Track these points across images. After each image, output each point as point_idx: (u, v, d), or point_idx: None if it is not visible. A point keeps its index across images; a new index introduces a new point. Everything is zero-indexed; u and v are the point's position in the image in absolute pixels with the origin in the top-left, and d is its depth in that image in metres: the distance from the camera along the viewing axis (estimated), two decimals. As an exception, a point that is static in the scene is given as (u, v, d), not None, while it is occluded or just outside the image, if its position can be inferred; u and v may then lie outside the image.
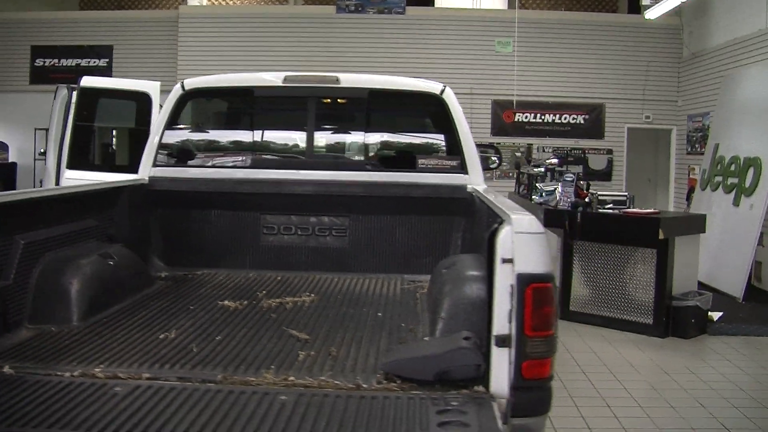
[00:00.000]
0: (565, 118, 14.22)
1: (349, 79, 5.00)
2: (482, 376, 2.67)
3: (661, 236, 7.78)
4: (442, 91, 4.91)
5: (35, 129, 14.17)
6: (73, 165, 5.47)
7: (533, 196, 10.05)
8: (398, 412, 2.44)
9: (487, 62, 14.12)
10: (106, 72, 15.19)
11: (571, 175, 8.70)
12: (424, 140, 5.46)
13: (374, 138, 5.32)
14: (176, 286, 4.52)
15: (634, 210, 8.31)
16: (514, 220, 2.62)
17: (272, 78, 5.06)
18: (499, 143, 14.28)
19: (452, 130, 4.88)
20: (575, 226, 8.47)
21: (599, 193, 8.78)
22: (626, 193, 8.75)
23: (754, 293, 9.73)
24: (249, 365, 2.96)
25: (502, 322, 2.60)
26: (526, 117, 14.24)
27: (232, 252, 5.03)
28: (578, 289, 8.69)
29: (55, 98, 5.67)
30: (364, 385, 2.73)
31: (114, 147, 5.69)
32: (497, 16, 14.27)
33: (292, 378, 2.80)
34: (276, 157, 5.23)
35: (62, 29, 15.56)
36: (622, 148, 14.32)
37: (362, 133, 5.27)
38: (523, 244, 2.60)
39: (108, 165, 5.76)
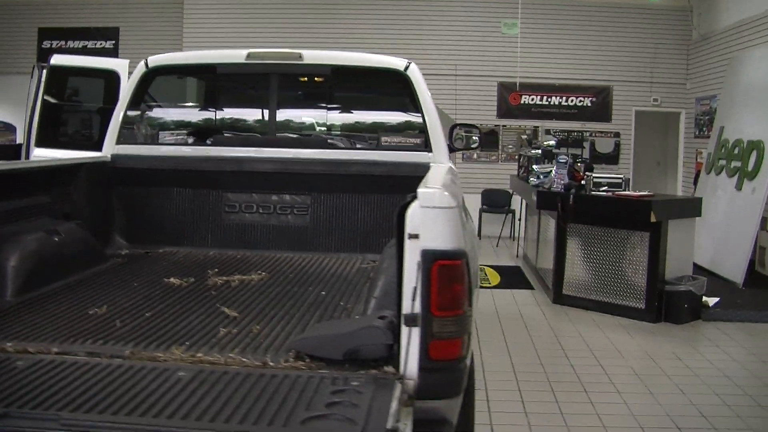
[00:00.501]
0: (572, 101, 13.99)
1: (313, 56, 4.87)
2: (393, 356, 2.55)
3: (652, 219, 7.60)
4: (407, 68, 4.77)
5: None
6: (41, 143, 5.42)
7: (530, 179, 9.91)
8: (293, 391, 2.33)
9: (493, 44, 13.90)
10: (112, 54, 15.13)
11: (565, 157, 8.54)
12: (388, 118, 5.33)
13: (337, 116, 5.20)
14: (130, 264, 4.44)
15: (626, 193, 8.13)
16: (421, 194, 2.48)
17: (235, 54, 4.94)
18: (505, 125, 14.13)
19: (417, 108, 4.74)
20: (568, 209, 8.31)
21: (594, 175, 8.60)
22: (621, 176, 8.58)
23: (756, 279, 9.52)
24: (164, 341, 2.86)
25: (410, 300, 2.47)
26: (533, 99, 14.02)
27: (194, 230, 4.95)
28: (571, 272, 8.56)
29: (31, 78, 5.61)
30: (271, 363, 2.62)
31: (82, 125, 5.63)
32: (504, -3, 14.06)
33: (200, 355, 2.70)
34: (238, 135, 5.12)
35: (69, 11, 15.52)
36: (629, 132, 14.06)
37: (325, 110, 5.17)
38: (429, 219, 2.46)
39: (76, 143, 5.67)
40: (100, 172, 4.86)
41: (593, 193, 8.29)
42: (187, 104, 5.63)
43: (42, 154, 5.46)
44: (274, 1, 14.47)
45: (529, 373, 6.18)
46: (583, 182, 8.60)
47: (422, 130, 4.74)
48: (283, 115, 5.16)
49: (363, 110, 5.44)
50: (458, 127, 6.33)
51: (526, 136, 13.50)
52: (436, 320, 2.46)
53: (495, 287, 9.65)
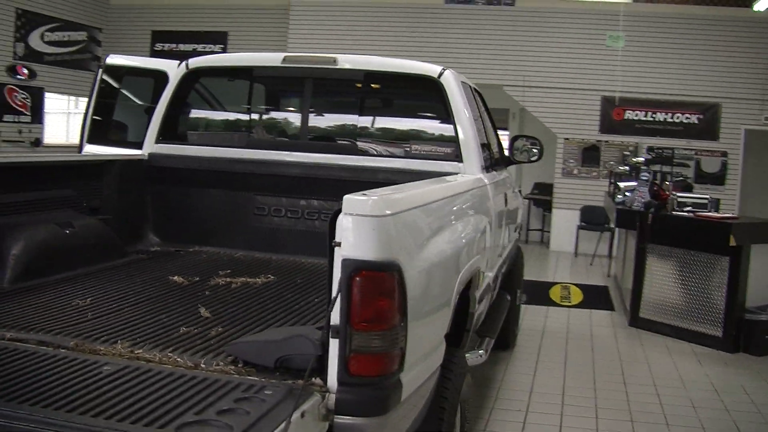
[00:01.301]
0: (677, 118, 13.38)
1: (347, 61, 4.81)
2: (322, 368, 2.44)
3: (732, 243, 7.15)
4: (440, 75, 4.63)
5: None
6: (92, 140, 5.59)
7: (617, 196, 9.54)
8: (200, 394, 2.27)
9: (597, 57, 13.47)
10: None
11: (647, 174, 8.17)
12: (420, 125, 5.20)
13: (368, 121, 5.12)
14: (149, 261, 4.49)
15: (707, 214, 7.68)
16: (346, 200, 2.37)
17: (273, 58, 4.94)
18: (607, 141, 13.67)
19: (449, 116, 4.60)
20: (645, 228, 7.94)
21: (679, 195, 8.18)
22: (707, 196, 8.12)
23: None
24: (115, 336, 2.85)
25: (336, 311, 2.37)
26: (636, 115, 13.50)
27: (224, 231, 4.97)
28: (649, 295, 8.17)
29: (96, 77, 5.83)
30: (203, 366, 2.57)
31: (131, 123, 5.78)
32: (609, 9, 13.56)
33: (139, 351, 2.67)
34: (270, 138, 5.11)
35: (181, 15, 16.05)
36: (738, 151, 13.32)
37: (356, 116, 5.10)
38: (352, 227, 2.35)
39: (124, 140, 5.83)
40: (135, 169, 4.95)
41: (674, 213, 7.87)
42: (225, 106, 5.66)
43: (92, 150, 5.62)
44: (380, 7, 14.50)
45: (578, 397, 5.91)
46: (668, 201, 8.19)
47: (453, 139, 4.60)
48: (315, 119, 5.13)
49: (395, 117, 5.33)
50: (522, 139, 6.18)
51: (628, 153, 13.00)
52: (356, 334, 2.35)
53: (574, 306, 9.33)
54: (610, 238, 13.05)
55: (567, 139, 13.84)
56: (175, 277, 3.94)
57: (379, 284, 2.37)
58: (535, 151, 6.19)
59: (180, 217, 5.01)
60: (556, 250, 13.95)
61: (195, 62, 5.11)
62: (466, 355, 4.69)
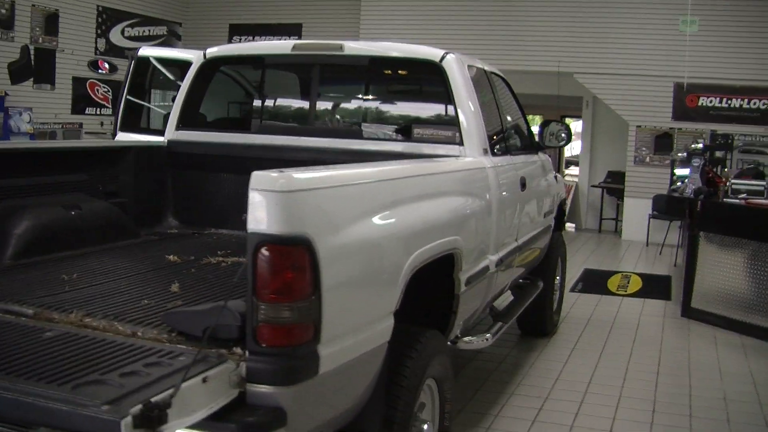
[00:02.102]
0: (755, 104, 12.87)
1: (353, 47, 4.87)
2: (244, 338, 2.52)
3: (780, 231, 6.89)
4: (443, 59, 4.63)
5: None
6: (124, 128, 5.82)
7: (677, 183, 9.29)
8: (116, 359, 2.38)
9: (669, 42, 13.04)
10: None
11: (698, 160, 7.92)
12: (423, 109, 5.21)
13: (373, 106, 5.16)
14: (158, 242, 4.65)
15: (758, 201, 7.39)
16: (254, 177, 2.45)
17: (283, 45, 5.05)
18: (681, 128, 13.27)
19: (450, 100, 4.60)
20: (695, 216, 7.71)
21: (734, 181, 7.91)
22: (764, 183, 7.82)
23: None
24: (76, 306, 2.98)
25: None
26: (710, 101, 13.04)
27: (238, 214, 5.09)
28: (701, 285, 7.94)
29: (128, 68, 6.06)
30: (140, 334, 2.68)
31: (160, 111, 6.00)
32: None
33: (88, 320, 2.80)
34: (281, 124, 5.21)
35: (257, 8, 16.36)
36: (819, 138, 12.75)
37: (362, 100, 5.14)
38: (258, 202, 2.44)
39: (155, 128, 6.04)
40: (154, 155, 5.13)
41: (724, 200, 7.62)
42: (241, 93, 5.79)
43: (124, 137, 5.85)
44: (450, 2, 14.42)
45: (605, 386, 5.81)
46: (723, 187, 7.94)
47: (455, 122, 4.59)
48: (323, 104, 5.20)
49: (399, 101, 5.35)
50: (551, 124, 6.13)
51: (702, 140, 12.58)
52: (263, 305, 2.43)
53: (629, 295, 9.14)
54: (681, 227, 12.68)
55: (639, 126, 13.51)
56: (171, 257, 4.08)
57: (285, 257, 2.44)
58: (563, 135, 6.13)
59: (197, 201, 5.17)
60: (628, 239, 13.65)
61: (212, 52, 5.26)
62: (469, 338, 4.73)
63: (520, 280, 6.55)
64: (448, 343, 4.66)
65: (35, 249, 3.94)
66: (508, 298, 6.18)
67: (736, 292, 7.51)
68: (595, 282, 9.81)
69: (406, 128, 4.86)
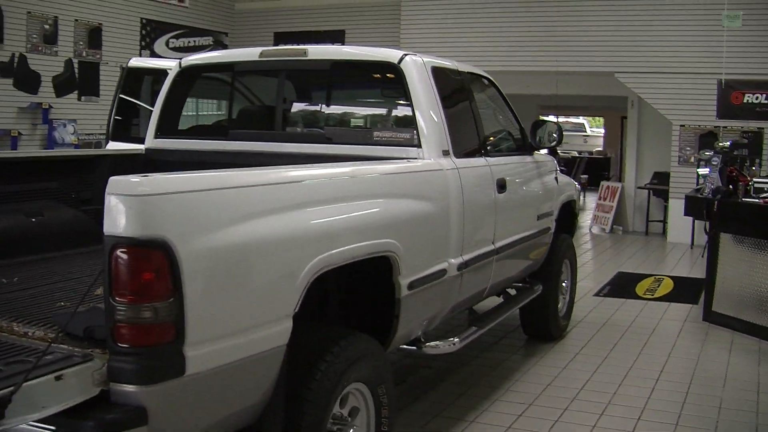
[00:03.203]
0: (803, 100, 12.39)
1: (316, 52, 4.87)
2: None
3: (794, 231, 6.59)
4: (401, 60, 4.58)
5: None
6: (115, 137, 5.93)
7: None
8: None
9: (712, 39, 12.62)
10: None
11: (717, 159, 7.63)
12: (384, 112, 5.16)
13: (336, 110, 5.14)
14: None
15: (776, 200, 7.07)
16: (111, 181, 2.48)
17: (251, 53, 5.08)
18: (726, 127, 12.85)
19: (409, 102, 4.55)
20: (713, 216, 7.45)
21: (757, 180, 7.61)
22: (789, 181, 7.49)
23: None
24: None
25: None
26: (756, 98, 12.58)
27: None
28: (721, 288, 7.66)
29: (119, 79, 6.18)
30: (30, 334, 2.76)
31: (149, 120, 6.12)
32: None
33: None
34: (249, 131, 5.23)
35: (301, 16, 16.52)
36: None
37: (325, 104, 5.13)
38: (114, 205, 2.47)
39: (142, 137, 6.16)
40: (131, 163, 5.21)
41: (743, 200, 7.33)
42: (215, 100, 5.85)
43: (115, 147, 5.97)
44: (492, 8, 14.30)
45: (596, 392, 5.65)
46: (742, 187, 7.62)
47: (413, 125, 4.53)
48: (291, 110, 5.22)
49: (361, 104, 5.32)
50: (543, 124, 6.05)
51: (746, 140, 12.14)
52: (118, 305, 2.47)
53: (655, 299, 8.88)
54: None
55: (683, 125, 13.13)
56: None
57: (140, 259, 2.46)
58: (554, 136, 6.01)
59: None
60: (674, 241, 13.28)
61: (186, 61, 5.33)
62: (435, 343, 4.67)
63: (517, 284, 6.45)
64: (413, 347, 4.63)
65: None
66: (496, 302, 6.08)
67: (757, 296, 7.21)
68: (623, 285, 9.57)
69: (367, 131, 4.83)
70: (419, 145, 4.50)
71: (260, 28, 16.76)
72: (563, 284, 7.14)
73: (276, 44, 16.76)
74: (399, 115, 4.80)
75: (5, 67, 12.03)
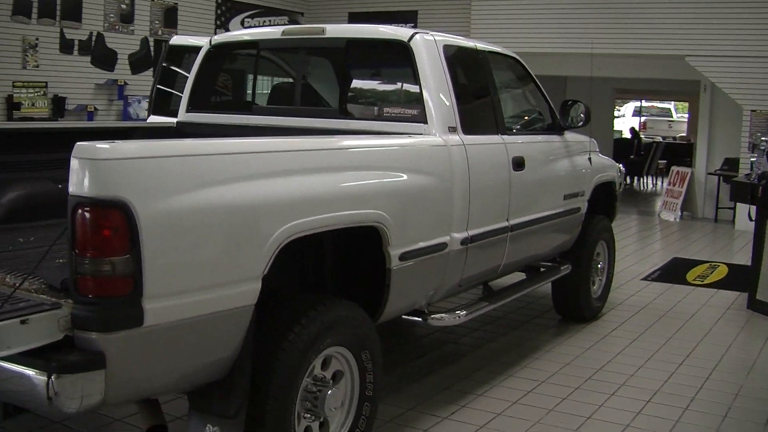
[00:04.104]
0: None
1: (334, 30, 5.04)
2: None
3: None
4: (411, 38, 4.68)
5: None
6: (156, 111, 6.21)
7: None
8: None
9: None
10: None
11: (766, 143, 7.47)
12: (394, 88, 5.27)
13: (351, 86, 5.27)
14: None
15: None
16: (77, 147, 2.69)
17: (274, 31, 5.29)
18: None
19: (416, 79, 4.65)
20: (757, 201, 7.30)
21: (808, 166, 7.43)
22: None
23: None
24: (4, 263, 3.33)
25: None
26: (834, 81, 12.15)
27: None
28: (767, 275, 7.49)
29: (161, 56, 6.44)
30: (16, 285, 2.97)
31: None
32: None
33: None
34: (273, 106, 5.42)
35: (374, -4, 16.71)
36: None
37: (340, 81, 5.27)
38: (77, 168, 2.68)
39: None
40: (161, 135, 5.47)
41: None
42: (243, 76, 6.05)
43: (154, 120, 6.25)
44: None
45: (611, 373, 5.67)
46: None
47: (420, 101, 4.64)
48: (309, 86, 5.40)
49: (374, 80, 5.43)
50: (570, 104, 6.08)
51: None
52: (79, 258, 2.71)
53: (704, 285, 8.73)
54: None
55: (754, 111, 12.77)
56: None
57: (99, 217, 2.69)
58: (581, 116, 6.02)
59: None
60: (741, 229, 12.93)
61: (216, 39, 5.58)
62: (441, 315, 4.80)
63: (546, 263, 6.49)
64: (418, 319, 4.76)
65: (19, 216, 4.37)
66: (520, 278, 6.16)
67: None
68: (675, 271, 9.44)
69: (379, 107, 4.96)
70: (425, 122, 4.60)
71: (336, 7, 16.94)
72: (599, 266, 7.11)
73: (350, 23, 16.96)
74: (409, 91, 4.90)
75: (83, 45, 12.56)
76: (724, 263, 10.01)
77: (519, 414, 4.87)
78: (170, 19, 14.02)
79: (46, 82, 12.05)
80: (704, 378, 5.64)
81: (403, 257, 4.09)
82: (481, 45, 5.40)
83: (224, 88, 5.95)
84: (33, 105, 11.88)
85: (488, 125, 5.15)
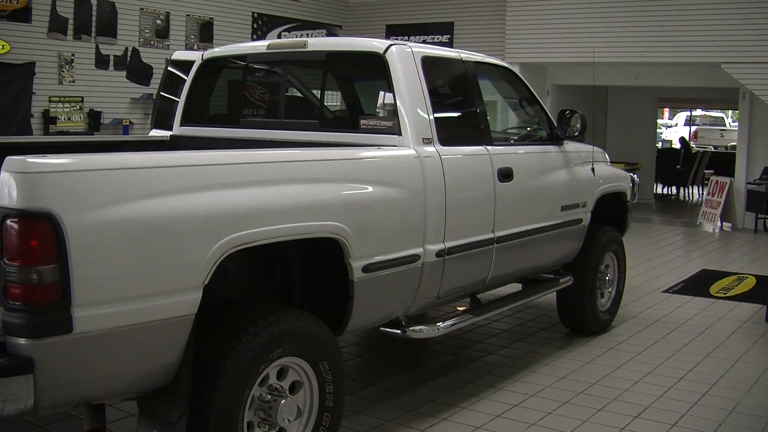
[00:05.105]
0: None
1: (315, 43, 5.11)
2: None
3: None
4: (386, 50, 4.69)
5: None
6: (157, 125, 6.33)
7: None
8: None
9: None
10: (447, 47, 16.03)
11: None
12: (371, 100, 5.29)
13: (331, 99, 5.32)
14: None
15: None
16: (7, 161, 2.79)
17: (260, 45, 5.38)
18: None
19: (392, 91, 4.66)
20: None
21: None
22: None
23: None
24: None
25: None
26: None
27: None
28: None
29: (164, 71, 6.57)
30: None
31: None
32: None
33: None
34: (256, 119, 5.49)
35: (412, 8, 16.72)
36: None
37: (321, 93, 5.32)
38: (5, 180, 2.79)
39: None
40: (154, 148, 5.59)
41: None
42: (233, 90, 6.12)
43: (156, 134, 6.38)
44: (598, 4, 14.04)
45: (606, 388, 5.58)
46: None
47: (395, 113, 4.65)
48: (292, 99, 5.46)
49: (353, 93, 5.46)
50: (567, 113, 6.05)
51: None
52: (8, 267, 2.81)
53: (726, 298, 8.53)
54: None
55: (793, 118, 12.47)
56: None
57: (26, 228, 2.79)
58: (577, 126, 5.97)
59: None
60: (782, 241, 12.63)
61: (208, 53, 5.68)
62: (419, 327, 4.80)
63: (548, 275, 6.42)
64: (396, 331, 4.76)
65: None
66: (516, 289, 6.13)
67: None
68: (699, 283, 9.24)
69: (356, 119, 4.99)
70: (400, 133, 4.60)
71: (373, 20, 17.08)
72: (606, 278, 7.00)
73: (387, 36, 17.04)
74: (385, 103, 4.92)
75: (119, 61, 12.87)
76: (753, 275, 9.76)
77: (498, 428, 4.83)
78: (206, 33, 14.27)
79: (82, 97, 12.38)
80: (701, 393, 5.51)
81: (366, 269, 4.10)
82: (467, 56, 5.38)
83: (260, 101, 6.01)
84: (69, 119, 12.21)
85: (471, 136, 5.14)
